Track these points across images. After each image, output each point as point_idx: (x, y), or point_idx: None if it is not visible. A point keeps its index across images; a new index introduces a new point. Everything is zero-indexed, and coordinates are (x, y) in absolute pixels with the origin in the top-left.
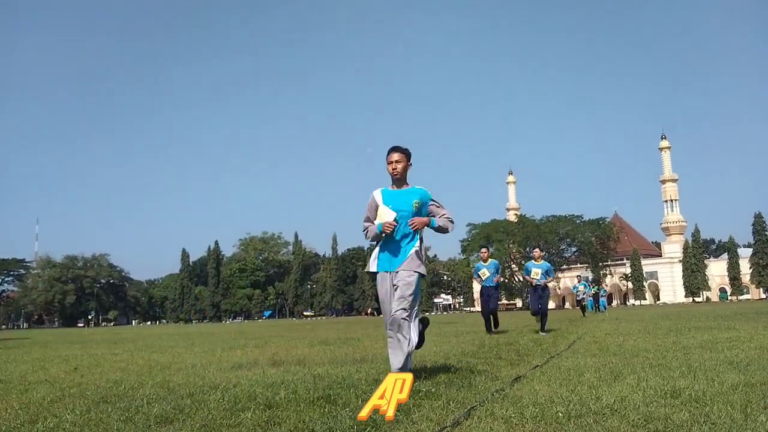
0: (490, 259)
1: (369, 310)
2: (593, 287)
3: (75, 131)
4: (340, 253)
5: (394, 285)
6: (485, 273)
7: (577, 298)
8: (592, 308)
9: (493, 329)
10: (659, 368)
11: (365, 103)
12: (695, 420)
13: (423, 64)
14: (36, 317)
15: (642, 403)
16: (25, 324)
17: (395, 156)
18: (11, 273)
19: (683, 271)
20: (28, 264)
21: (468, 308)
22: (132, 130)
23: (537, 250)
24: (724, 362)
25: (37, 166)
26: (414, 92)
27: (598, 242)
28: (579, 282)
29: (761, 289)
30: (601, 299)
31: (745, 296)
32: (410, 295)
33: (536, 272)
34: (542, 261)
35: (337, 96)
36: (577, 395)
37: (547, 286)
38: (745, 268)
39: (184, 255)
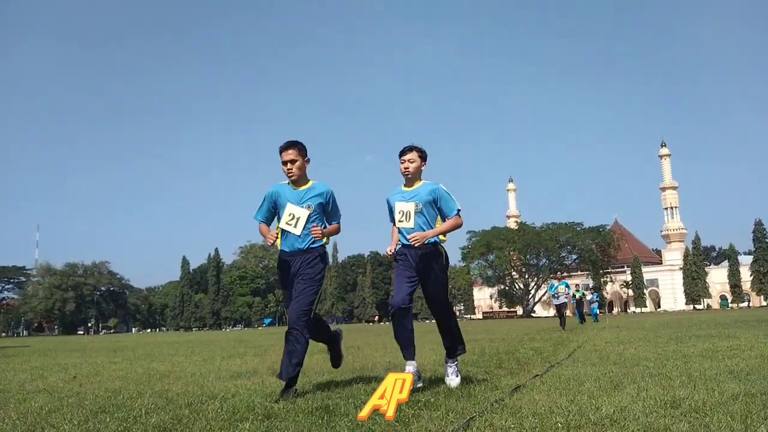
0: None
1: (376, 318)
2: (579, 291)
3: (75, 138)
4: (340, 260)
5: None
6: (295, 218)
7: (555, 302)
8: (580, 318)
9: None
10: (659, 378)
11: (365, 110)
12: (694, 431)
13: (423, 71)
14: (36, 325)
15: (642, 414)
16: (24, 332)
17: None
18: (11, 280)
19: (684, 278)
20: (28, 271)
21: (468, 316)
22: (132, 137)
23: (411, 154)
24: (725, 371)
25: (38, 173)
26: (414, 99)
27: (598, 250)
28: (559, 281)
29: (762, 297)
30: (592, 306)
31: (746, 303)
32: None
33: (403, 210)
34: (423, 183)
35: (337, 103)
36: (576, 405)
37: (439, 256)
38: (746, 276)
39: (185, 262)
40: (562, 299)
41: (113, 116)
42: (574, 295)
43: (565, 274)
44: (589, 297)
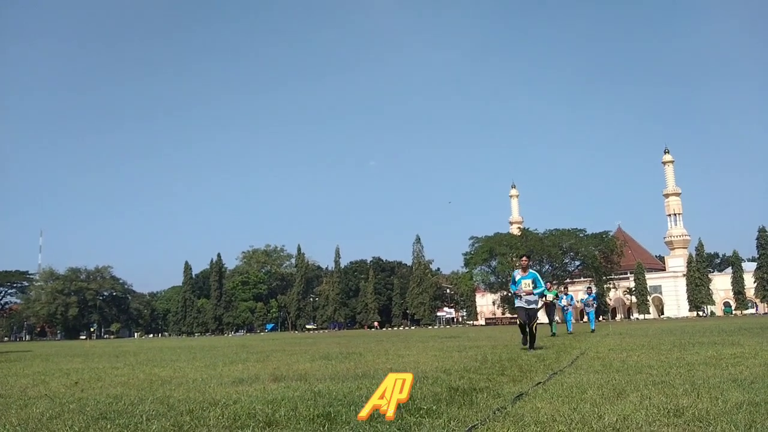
0: None
1: (376, 323)
2: (553, 290)
3: (79, 143)
4: (342, 266)
5: None
6: None
7: (517, 304)
8: (552, 327)
9: None
10: (663, 386)
11: (368, 116)
12: None
13: (426, 78)
14: (38, 329)
15: (644, 422)
16: (27, 336)
17: None
18: (14, 285)
19: (687, 285)
20: (31, 276)
21: (471, 322)
22: (136, 143)
23: None
24: (728, 379)
25: (41, 178)
26: (417, 106)
27: (601, 256)
28: (524, 271)
29: (766, 304)
30: (587, 310)
31: (750, 311)
32: None
33: None
34: None
35: (340, 109)
36: (579, 414)
37: None
38: (750, 283)
39: (187, 268)
40: (522, 299)
41: (117, 121)
42: (543, 295)
43: (567, 280)
44: (582, 298)
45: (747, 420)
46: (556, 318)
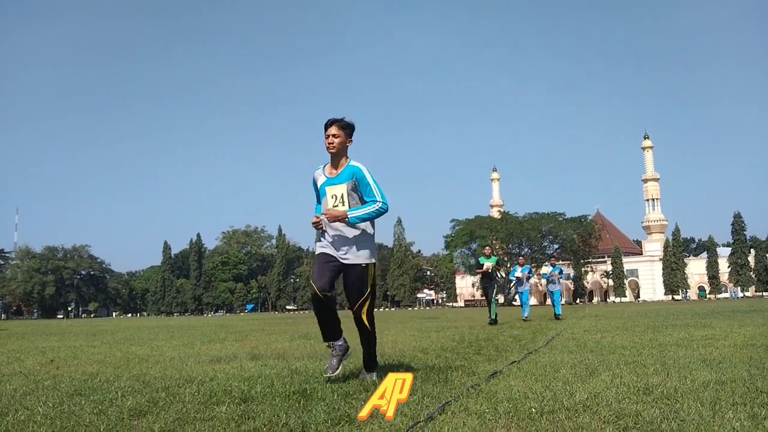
0: None
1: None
2: (493, 256)
3: (57, 121)
4: None
5: None
6: None
7: (325, 248)
8: (493, 307)
9: None
10: (634, 365)
11: (349, 98)
12: (665, 416)
13: (408, 62)
14: (14, 308)
15: (614, 400)
16: (3, 315)
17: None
18: None
19: (663, 269)
20: (7, 254)
21: (450, 303)
22: (114, 121)
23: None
24: (698, 360)
25: (18, 156)
26: (399, 89)
27: (580, 240)
28: (336, 169)
29: (739, 288)
30: (551, 289)
31: (724, 294)
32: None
33: None
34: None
35: (322, 91)
36: (551, 391)
37: None
38: (724, 267)
39: (166, 247)
40: (329, 240)
41: (95, 100)
42: (478, 265)
43: (545, 263)
44: (544, 271)
45: (712, 397)
46: (500, 298)
